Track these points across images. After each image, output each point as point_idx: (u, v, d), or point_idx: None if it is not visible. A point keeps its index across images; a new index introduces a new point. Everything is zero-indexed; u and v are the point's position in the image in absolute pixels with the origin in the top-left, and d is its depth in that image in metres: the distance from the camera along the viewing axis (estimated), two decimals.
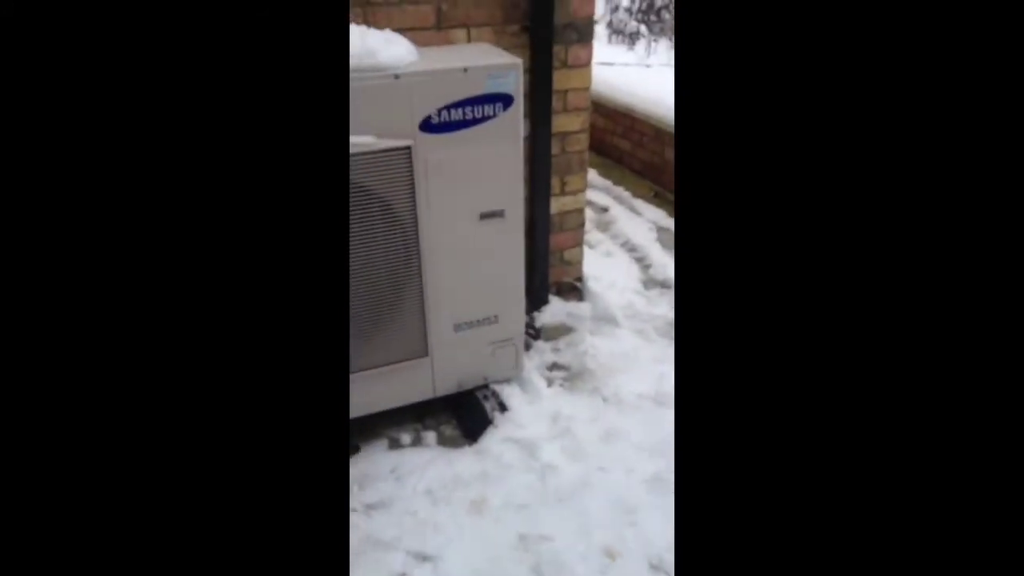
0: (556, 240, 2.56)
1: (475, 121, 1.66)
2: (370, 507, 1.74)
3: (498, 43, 2.16)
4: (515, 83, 1.67)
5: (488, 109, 1.67)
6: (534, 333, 2.39)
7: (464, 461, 1.87)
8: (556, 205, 2.50)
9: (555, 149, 2.40)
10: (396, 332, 1.81)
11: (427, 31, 2.06)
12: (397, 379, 1.88)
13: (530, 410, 2.02)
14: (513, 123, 1.71)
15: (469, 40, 2.12)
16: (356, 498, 1.76)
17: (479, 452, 1.89)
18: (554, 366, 2.27)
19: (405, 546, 1.63)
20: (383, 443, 1.95)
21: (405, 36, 2.02)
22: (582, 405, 2.07)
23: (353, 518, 1.70)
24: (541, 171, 2.37)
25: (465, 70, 1.61)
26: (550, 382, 2.18)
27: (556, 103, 2.33)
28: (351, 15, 1.95)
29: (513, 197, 1.80)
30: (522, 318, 2.00)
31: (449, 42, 2.10)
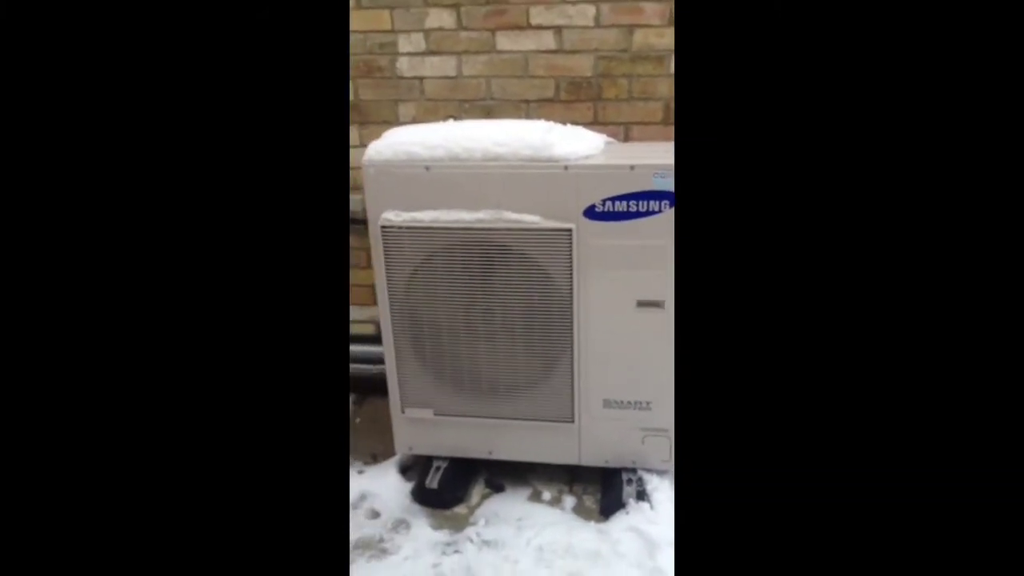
0: None
1: (638, 214, 1.75)
2: (485, 542, 1.92)
3: None
4: None
5: (653, 204, 1.74)
6: None
7: (584, 534, 1.92)
8: None
9: None
10: (547, 391, 1.97)
11: (654, 125, 2.19)
12: (545, 437, 2.03)
13: (669, 509, 1.96)
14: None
15: None
16: (477, 530, 1.96)
17: (601, 531, 1.92)
18: None
19: None
20: (526, 492, 2.12)
21: (633, 130, 2.21)
22: None
23: (467, 546, 1.91)
24: None
25: (632, 167, 1.72)
26: None
27: None
28: (586, 112, 2.20)
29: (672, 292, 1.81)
30: None
31: None
